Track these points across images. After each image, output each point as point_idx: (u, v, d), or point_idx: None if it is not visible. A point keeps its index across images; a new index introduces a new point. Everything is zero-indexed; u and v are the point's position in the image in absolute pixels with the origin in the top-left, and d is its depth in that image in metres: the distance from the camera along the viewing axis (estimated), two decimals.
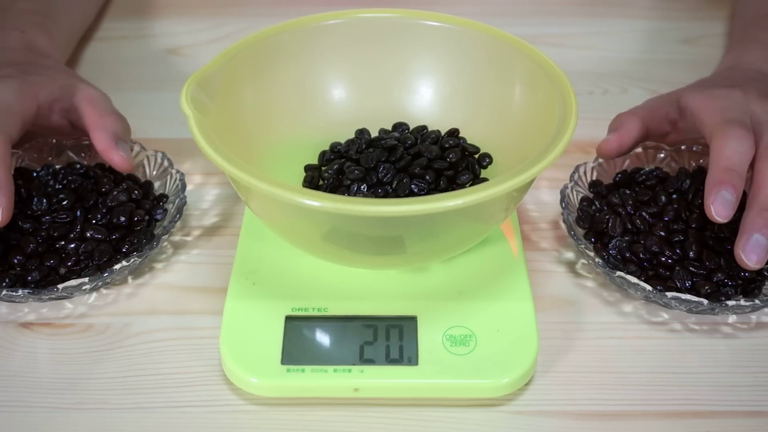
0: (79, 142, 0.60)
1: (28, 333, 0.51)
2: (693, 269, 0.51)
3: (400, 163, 0.53)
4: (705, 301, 0.49)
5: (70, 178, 0.57)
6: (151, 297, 0.54)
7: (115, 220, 0.54)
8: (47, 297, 0.52)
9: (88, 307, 0.53)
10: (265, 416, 0.47)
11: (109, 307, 0.53)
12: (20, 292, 0.50)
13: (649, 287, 0.50)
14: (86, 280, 0.50)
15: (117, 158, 0.55)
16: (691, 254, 0.52)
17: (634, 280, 0.50)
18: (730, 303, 0.49)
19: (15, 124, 0.55)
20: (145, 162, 0.59)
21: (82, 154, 0.60)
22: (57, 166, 0.58)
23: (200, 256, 0.57)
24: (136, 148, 0.60)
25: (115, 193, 0.55)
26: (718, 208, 0.49)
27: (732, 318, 0.53)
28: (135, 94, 0.71)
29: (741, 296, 0.51)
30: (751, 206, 0.50)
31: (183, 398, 0.48)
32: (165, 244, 0.57)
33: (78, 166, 0.58)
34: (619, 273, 0.51)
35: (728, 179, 0.50)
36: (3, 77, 0.58)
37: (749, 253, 0.49)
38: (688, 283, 0.51)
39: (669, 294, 0.49)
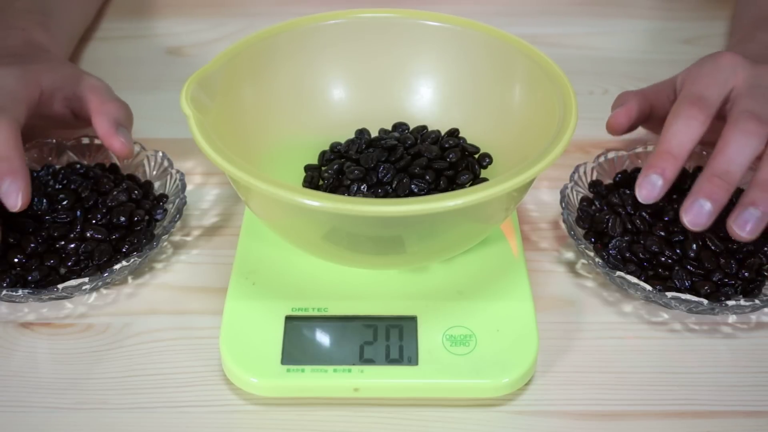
0: (79, 142, 0.60)
1: (28, 333, 0.51)
2: (692, 269, 0.51)
3: (400, 163, 0.53)
4: (705, 301, 0.49)
5: (70, 178, 0.57)
6: (151, 297, 0.54)
7: (115, 220, 0.54)
8: (47, 297, 0.52)
9: (88, 307, 0.53)
10: (265, 416, 0.47)
11: (109, 307, 0.53)
12: (20, 292, 0.50)
13: (648, 287, 0.50)
14: (86, 280, 0.50)
15: (117, 143, 0.55)
16: (691, 254, 0.52)
17: (634, 280, 0.50)
18: (730, 303, 0.49)
19: (21, 110, 0.55)
20: (145, 162, 0.59)
21: (82, 154, 0.60)
22: (57, 166, 0.58)
23: (200, 256, 0.57)
24: (137, 148, 0.60)
25: (115, 193, 0.55)
26: (643, 190, 0.51)
27: (732, 318, 0.53)
28: (134, 94, 0.71)
29: (741, 296, 0.51)
30: (705, 170, 0.51)
31: (183, 398, 0.48)
32: (165, 244, 0.57)
33: (78, 166, 0.58)
34: (619, 273, 0.51)
35: (660, 163, 0.51)
36: (4, 64, 0.58)
37: (694, 217, 0.50)
38: (687, 283, 0.51)
39: (669, 294, 0.49)
